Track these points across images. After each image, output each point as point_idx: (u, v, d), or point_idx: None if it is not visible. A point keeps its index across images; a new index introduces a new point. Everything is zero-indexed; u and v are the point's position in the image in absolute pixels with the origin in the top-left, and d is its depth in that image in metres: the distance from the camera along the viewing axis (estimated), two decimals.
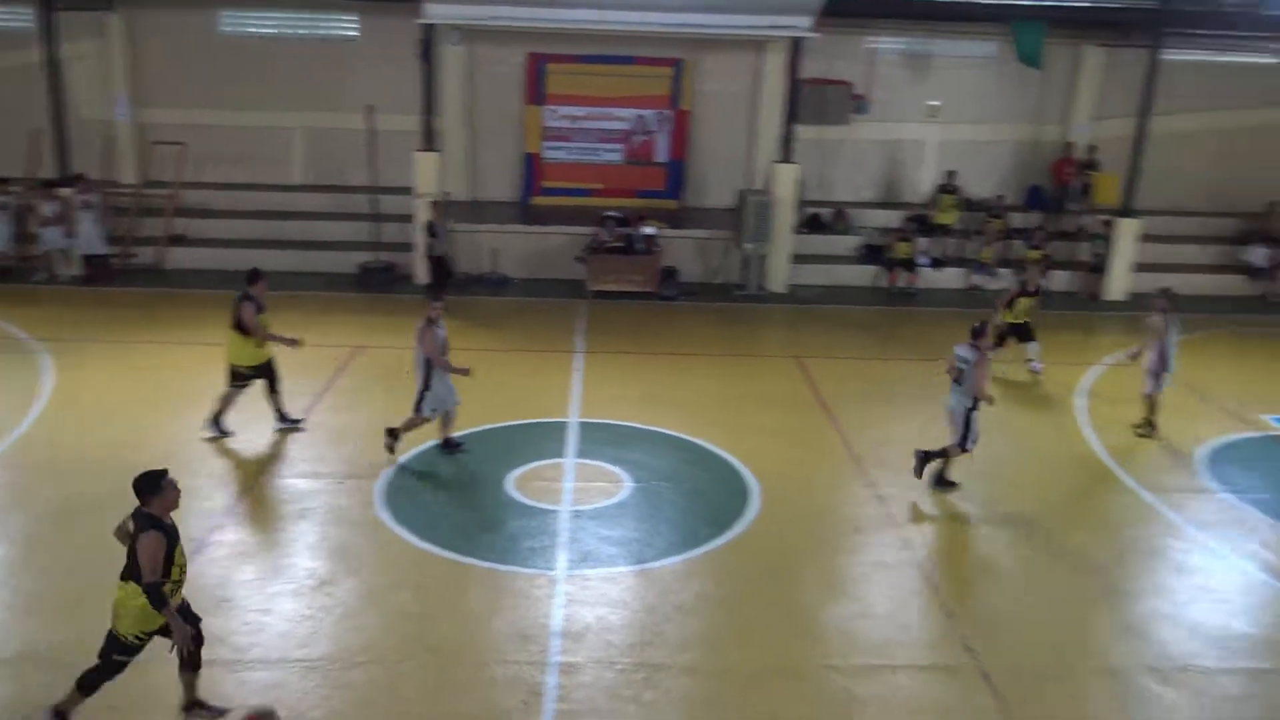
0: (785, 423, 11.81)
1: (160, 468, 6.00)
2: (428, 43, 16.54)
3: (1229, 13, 17.82)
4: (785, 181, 17.50)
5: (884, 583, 8.46)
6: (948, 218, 19.13)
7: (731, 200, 18.77)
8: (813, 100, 18.16)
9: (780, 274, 17.84)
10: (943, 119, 19.86)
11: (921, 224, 19.04)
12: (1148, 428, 11.79)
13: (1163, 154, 18.88)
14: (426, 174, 16.98)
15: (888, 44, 19.43)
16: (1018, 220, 19.44)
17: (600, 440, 10.91)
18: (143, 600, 5.75)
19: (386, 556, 8.48)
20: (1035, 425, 12.16)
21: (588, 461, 10.43)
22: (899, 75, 19.56)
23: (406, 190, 17.33)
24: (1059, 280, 18.54)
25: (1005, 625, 7.95)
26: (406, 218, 17.38)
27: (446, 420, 10.43)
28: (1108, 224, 18.24)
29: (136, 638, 5.93)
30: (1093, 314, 17.60)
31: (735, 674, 7.14)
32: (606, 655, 7.21)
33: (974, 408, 9.86)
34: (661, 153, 19.55)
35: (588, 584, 8.17)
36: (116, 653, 5.95)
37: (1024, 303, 13.79)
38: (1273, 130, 20.21)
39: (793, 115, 17.38)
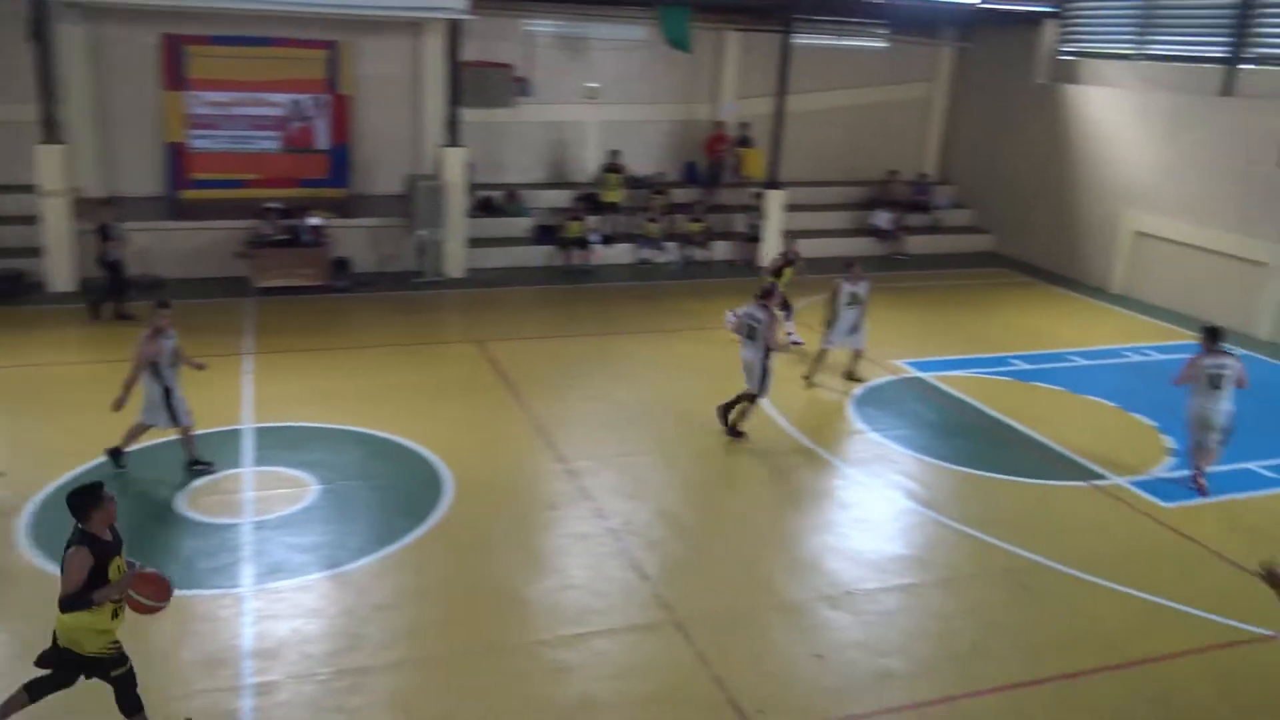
0: (472, 408, 11.78)
1: (96, 482, 5.72)
2: (39, 22, 14.75)
3: (849, 2, 19.75)
4: (454, 165, 17.36)
5: (581, 553, 8.69)
6: (614, 196, 19.82)
7: (401, 186, 18.35)
8: (476, 83, 18.11)
9: (457, 259, 17.71)
10: (602, 100, 20.50)
11: (591, 203, 19.60)
12: (809, 380, 12.99)
13: (800, 130, 20.69)
14: (51, 169, 15.17)
15: (544, 27, 19.75)
16: (679, 196, 20.50)
17: (280, 444, 10.34)
18: (91, 618, 5.55)
19: (39, 598, 7.57)
20: (708, 384, 12.92)
21: (268, 468, 9.86)
22: (558, 58, 19.96)
23: (29, 189, 15.43)
24: (720, 250, 19.84)
25: (694, 577, 8.45)
26: (30, 219, 15.49)
27: (186, 438, 9.74)
28: (757, 196, 19.72)
29: (111, 645, 5.75)
30: (754, 279, 18.87)
31: (443, 662, 7.08)
32: (305, 668, 6.88)
33: (767, 357, 10.96)
34: (322, 139, 18.70)
35: (279, 597, 7.74)
36: (116, 666, 5.80)
37: (789, 272, 14.55)
38: (887, 107, 22.74)
39: (456, 98, 17.24)
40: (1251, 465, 10.96)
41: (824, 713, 6.76)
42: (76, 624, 5.61)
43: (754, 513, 9.70)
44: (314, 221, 16.65)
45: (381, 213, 18.01)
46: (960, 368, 14.01)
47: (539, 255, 18.90)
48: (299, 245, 16.38)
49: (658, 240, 19.42)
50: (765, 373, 11.04)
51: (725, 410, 11.31)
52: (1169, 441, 11.63)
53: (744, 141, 20.94)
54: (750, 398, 11.20)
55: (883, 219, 21.15)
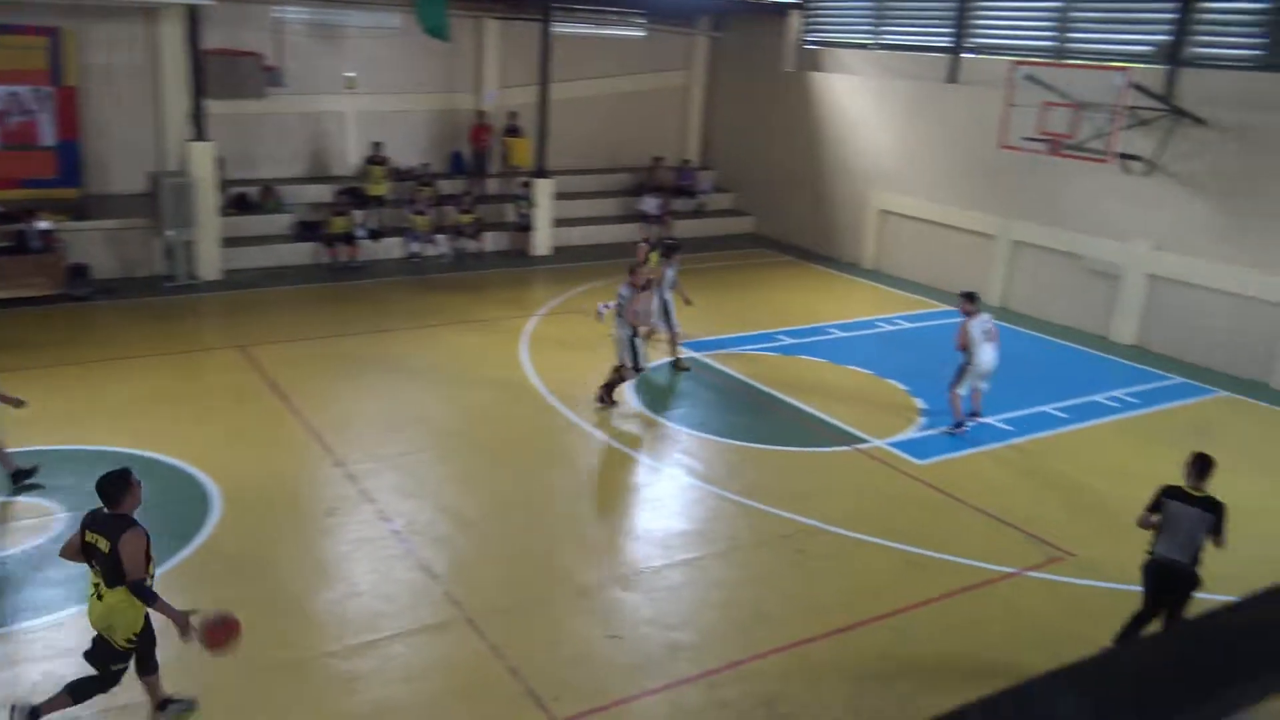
0: (239, 416, 11.16)
1: (125, 468, 5.91)
2: None
3: None
4: (202, 161, 16.31)
5: (366, 558, 8.43)
6: (379, 189, 19.26)
7: (144, 184, 17.06)
8: (222, 73, 17.06)
9: (211, 260, 16.67)
10: (361, 90, 19.84)
11: (355, 196, 18.95)
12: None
13: (565, 118, 20.83)
14: None
15: (294, 14, 18.87)
16: (447, 187, 20.17)
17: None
18: (137, 605, 5.75)
19: None
20: (489, 377, 12.82)
21: (7, 499, 8.96)
22: (312, 46, 19.13)
23: None
24: (492, 240, 19.70)
25: (483, 571, 8.38)
26: None
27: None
28: (525, 185, 19.70)
29: (129, 642, 5.90)
30: (526, 269, 18.94)
31: (225, 688, 6.68)
32: (67, 713, 6.31)
33: (635, 334, 11.69)
34: (47, 135, 17.07)
35: (32, 636, 7.06)
36: (115, 662, 5.93)
37: (654, 256, 14.43)
38: (648, 95, 23.27)
39: (201, 89, 16.20)
40: (990, 420, 12.03)
41: (619, 692, 6.89)
42: (124, 606, 5.80)
43: (541, 501, 9.73)
44: (43, 225, 15.22)
45: (122, 213, 16.66)
46: (731, 346, 14.58)
47: (302, 253, 18.09)
48: (27, 252, 14.93)
49: (427, 233, 19.03)
50: (634, 348, 11.70)
51: (606, 388, 11.86)
52: (920, 403, 12.58)
53: (509, 130, 20.87)
54: (618, 370, 11.80)
55: (650, 204, 21.64)
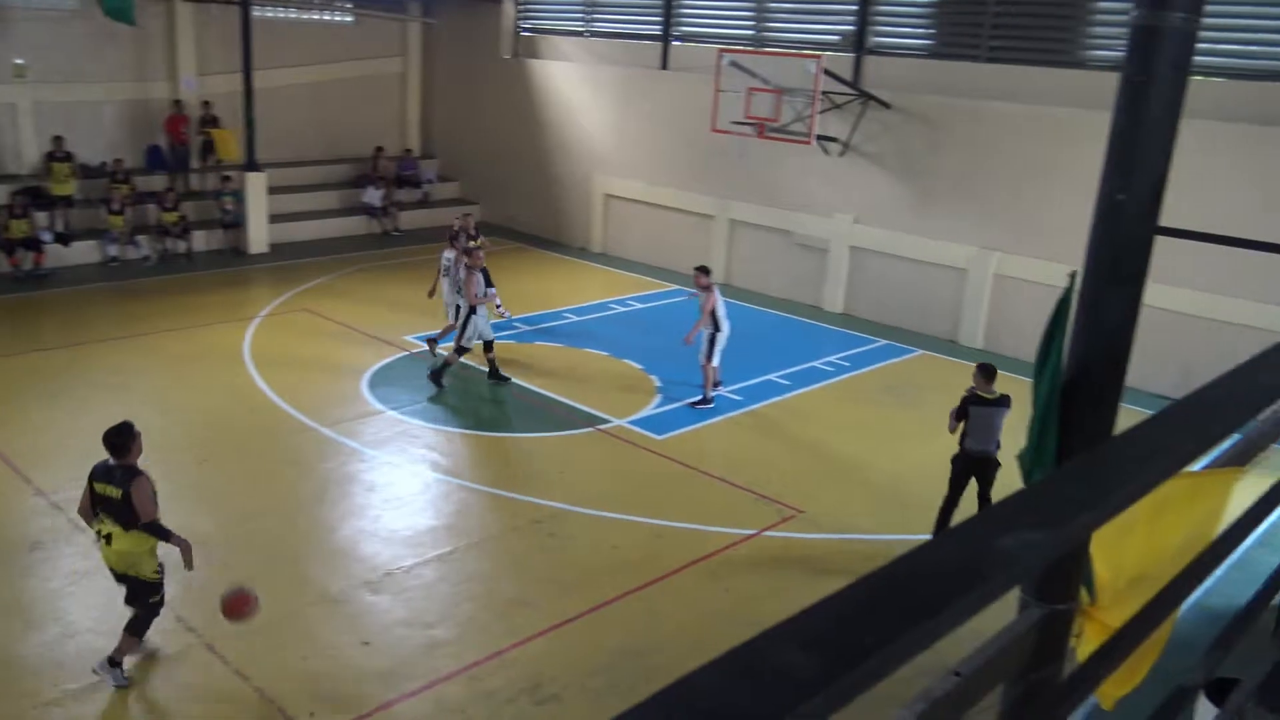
0: None
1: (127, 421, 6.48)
2: None
3: None
4: None
5: (84, 593, 7.72)
6: (65, 188, 17.51)
7: None
8: None
9: None
10: (34, 79, 17.93)
11: (36, 197, 17.12)
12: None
13: (276, 108, 19.81)
14: None
15: None
16: (145, 184, 18.66)
17: None
18: (152, 542, 6.45)
19: None
20: (212, 385, 12.04)
21: None
22: None
23: None
24: (201, 240, 18.45)
25: (220, 590, 7.90)
26: None
27: None
28: (226, 179, 18.57)
29: (156, 573, 6.62)
30: (242, 268, 17.89)
31: None
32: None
33: (473, 311, 11.96)
34: None
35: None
36: (152, 594, 6.63)
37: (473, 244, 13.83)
38: (363, 82, 22.54)
39: None
40: (723, 391, 12.67)
41: (378, 698, 6.74)
42: (142, 546, 6.51)
43: (279, 511, 9.28)
44: None
45: None
46: None
47: None
48: None
49: (126, 234, 17.53)
50: (467, 323, 12.01)
51: (437, 373, 12.17)
52: (656, 380, 13.05)
53: (211, 121, 19.55)
54: (450, 359, 12.13)
55: (373, 196, 21.03)
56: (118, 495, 6.37)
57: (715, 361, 12.09)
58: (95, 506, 6.49)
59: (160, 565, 6.73)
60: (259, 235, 18.75)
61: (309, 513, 9.30)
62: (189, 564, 6.65)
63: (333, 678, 6.94)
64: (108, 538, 6.51)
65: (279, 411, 11.39)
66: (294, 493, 9.68)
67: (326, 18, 21.51)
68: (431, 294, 13.85)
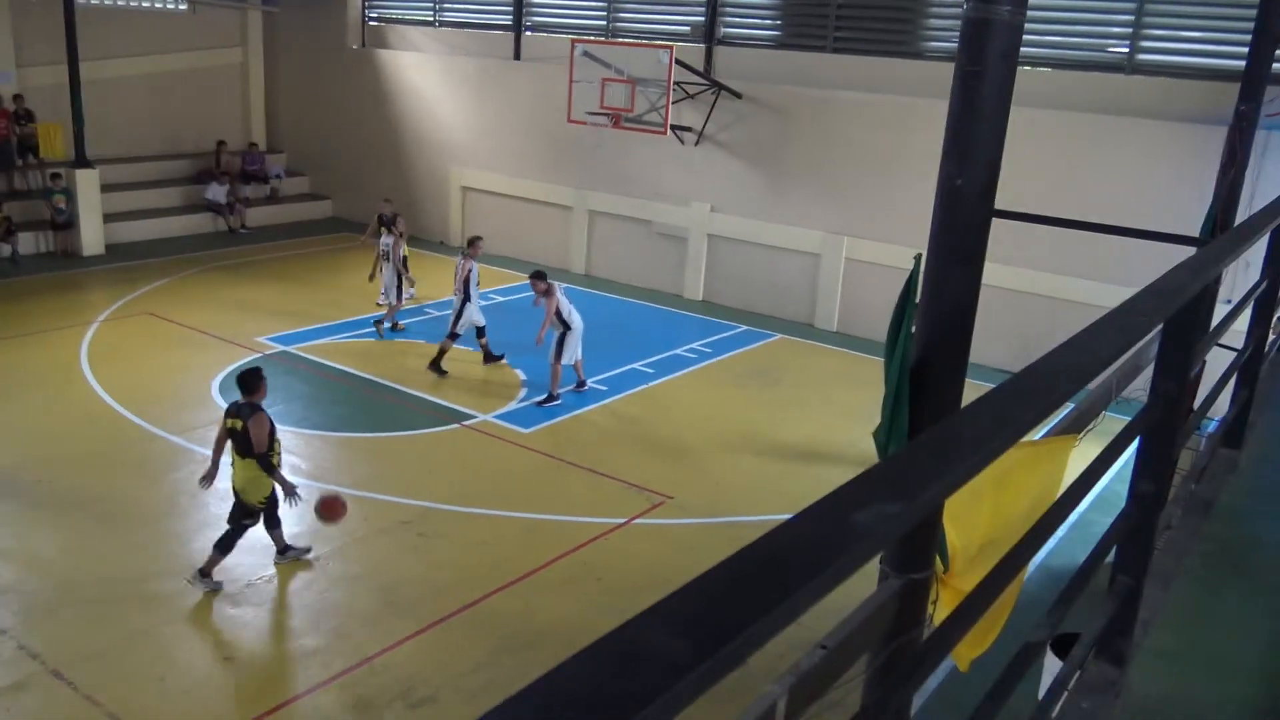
0: None
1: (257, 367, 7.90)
2: None
3: None
4: None
5: None
6: None
7: None
8: None
9: None
10: None
11: None
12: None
13: (106, 101, 18.75)
14: None
15: None
16: None
17: None
18: (263, 476, 7.64)
19: None
20: (46, 396, 11.34)
21: None
22: None
23: None
24: (28, 242, 17.33)
25: (64, 614, 7.48)
26: None
27: None
28: (55, 177, 17.49)
29: (260, 504, 7.82)
30: (76, 271, 16.88)
31: None
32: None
33: (467, 299, 12.63)
34: None
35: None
36: (245, 517, 7.81)
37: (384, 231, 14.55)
38: (200, 73, 21.54)
39: None
40: (591, 383, 12.69)
41: (243, 715, 6.50)
42: (252, 473, 7.66)
43: (126, 526, 8.81)
44: None
45: None
46: (323, 335, 14.07)
47: None
48: None
49: None
50: (460, 313, 12.65)
51: (436, 361, 12.68)
52: (520, 374, 12.97)
53: (27, 116, 18.30)
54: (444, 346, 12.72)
55: (217, 192, 20.15)
56: (240, 427, 7.59)
57: (567, 360, 12.08)
58: (229, 437, 7.75)
59: (266, 498, 7.81)
60: (93, 236, 17.73)
61: (160, 525, 8.87)
62: (289, 499, 7.69)
63: (194, 696, 6.65)
64: (232, 463, 7.75)
65: (122, 421, 10.82)
66: (143, 505, 9.21)
67: (158, 5, 20.46)
68: (372, 278, 14.69)
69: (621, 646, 0.86)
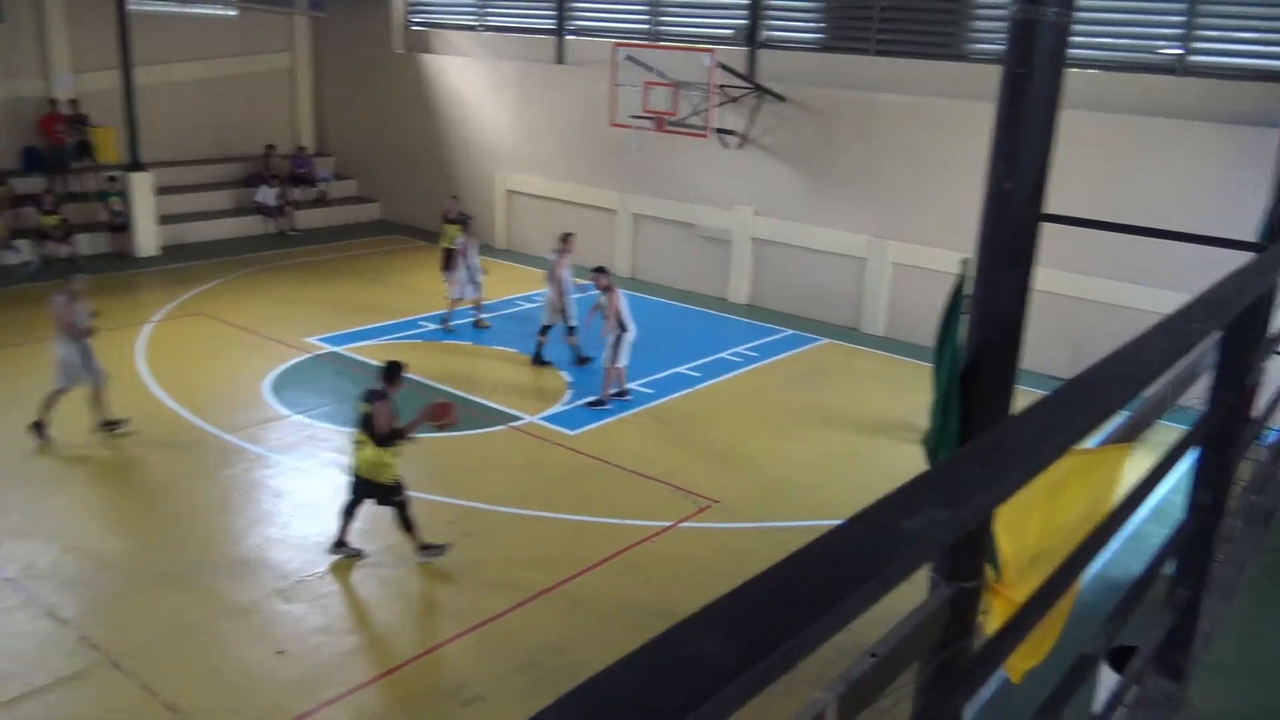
0: None
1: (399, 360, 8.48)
2: None
3: None
4: None
5: None
6: None
7: None
8: None
9: None
10: None
11: None
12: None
13: (159, 105, 19.13)
14: None
15: None
16: (23, 186, 17.82)
17: None
18: (387, 454, 8.10)
19: None
20: (76, 399, 11.57)
21: None
22: None
23: None
24: (85, 243, 17.73)
25: (123, 606, 7.65)
26: None
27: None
28: (111, 180, 17.87)
29: (395, 480, 8.22)
30: (131, 272, 17.24)
31: None
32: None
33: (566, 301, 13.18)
34: None
35: None
36: (394, 495, 8.24)
37: (451, 229, 14.90)
38: (250, 78, 21.91)
39: None
40: (633, 385, 12.71)
41: (295, 709, 6.60)
42: (378, 459, 8.09)
43: (183, 522, 8.99)
44: None
45: None
46: (371, 337, 14.23)
47: None
48: None
49: (3, 239, 16.72)
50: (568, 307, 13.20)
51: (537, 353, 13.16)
52: (566, 376, 13.02)
53: (82, 120, 18.69)
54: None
55: (267, 195, 20.47)
56: (368, 411, 8.06)
57: (621, 363, 12.05)
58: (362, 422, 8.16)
59: (399, 476, 8.21)
60: (148, 238, 18.10)
61: (214, 522, 9.03)
62: (414, 430, 8.27)
63: (247, 689, 6.77)
64: (360, 445, 8.14)
65: (178, 419, 11.03)
66: (198, 502, 9.39)
67: (207, 11, 20.81)
68: (452, 267, 14.67)
69: (669, 650, 0.87)
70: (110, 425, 10.46)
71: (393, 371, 8.36)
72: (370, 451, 8.12)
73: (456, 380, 12.66)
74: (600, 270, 12.14)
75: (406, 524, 8.26)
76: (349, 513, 8.38)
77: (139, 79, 17.60)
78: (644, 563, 8.66)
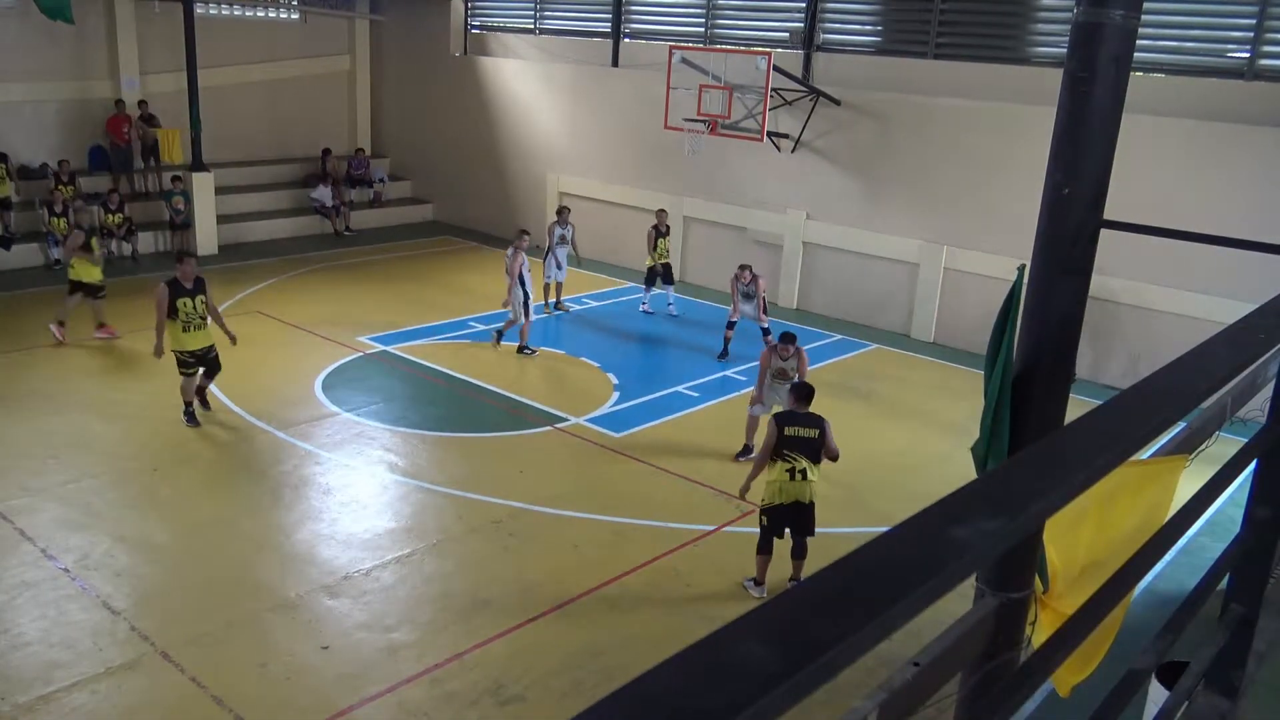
0: None
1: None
2: None
3: None
4: None
5: (30, 604, 7.57)
6: (2, 190, 17.12)
7: None
8: None
9: None
10: None
11: None
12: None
13: (221, 107, 19.51)
14: None
15: None
16: (89, 185, 18.29)
17: None
18: (774, 478, 7.94)
19: None
20: (161, 390, 11.83)
21: None
22: None
23: None
24: (147, 241, 18.14)
25: (174, 599, 7.79)
26: None
27: None
28: (175, 179, 18.26)
29: (770, 509, 8.03)
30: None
31: None
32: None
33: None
34: None
35: None
36: (814, 523, 8.08)
37: (664, 244, 15.18)
38: (310, 80, 22.27)
39: None
40: (680, 388, 12.71)
41: (339, 703, 6.67)
42: (818, 479, 8.08)
43: (233, 516, 9.15)
44: None
45: None
46: (422, 336, 14.38)
47: None
48: None
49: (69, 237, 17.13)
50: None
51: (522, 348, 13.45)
52: (612, 378, 13.05)
53: (149, 121, 19.15)
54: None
55: (324, 195, 20.78)
56: (814, 435, 7.91)
57: (760, 409, 10.60)
58: (782, 448, 7.88)
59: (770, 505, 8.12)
60: (208, 236, 18.47)
61: (264, 517, 9.18)
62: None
63: (292, 684, 6.86)
64: (803, 473, 7.89)
65: (231, 415, 11.23)
66: (248, 497, 9.56)
67: (272, 15, 21.22)
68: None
69: (712, 655, 0.86)
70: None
71: (812, 390, 8.34)
72: (816, 473, 8.02)
73: (503, 380, 12.74)
74: (787, 338, 10.71)
75: (800, 552, 8.19)
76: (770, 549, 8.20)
77: (203, 81, 17.96)
78: (686, 566, 8.64)
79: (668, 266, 15.99)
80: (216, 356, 11.05)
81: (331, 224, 20.76)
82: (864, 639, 0.91)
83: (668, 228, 16.06)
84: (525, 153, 20.71)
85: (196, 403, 11.03)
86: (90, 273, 13.45)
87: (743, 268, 13.66)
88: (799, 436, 7.97)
